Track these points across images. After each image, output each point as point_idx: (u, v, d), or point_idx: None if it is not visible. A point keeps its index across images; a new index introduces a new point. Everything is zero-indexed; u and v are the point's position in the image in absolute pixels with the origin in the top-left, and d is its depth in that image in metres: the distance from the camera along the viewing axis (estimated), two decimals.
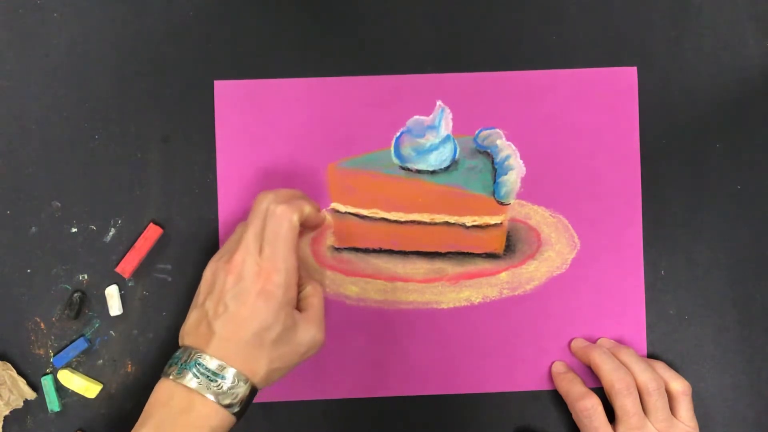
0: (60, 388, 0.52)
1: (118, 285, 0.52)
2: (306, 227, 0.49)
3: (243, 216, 0.52)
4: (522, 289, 0.53)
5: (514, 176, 0.53)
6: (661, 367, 0.51)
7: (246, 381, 0.43)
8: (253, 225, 0.45)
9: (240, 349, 0.43)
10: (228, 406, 0.43)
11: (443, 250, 0.53)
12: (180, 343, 0.46)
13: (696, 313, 0.53)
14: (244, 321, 0.43)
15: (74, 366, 0.52)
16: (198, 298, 0.46)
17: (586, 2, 0.54)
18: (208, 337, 0.44)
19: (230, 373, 0.43)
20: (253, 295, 0.44)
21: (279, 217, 0.45)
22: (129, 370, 0.52)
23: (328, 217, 0.52)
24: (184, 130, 0.53)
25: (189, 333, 0.45)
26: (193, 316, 0.45)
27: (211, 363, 0.43)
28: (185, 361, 0.43)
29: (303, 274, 0.49)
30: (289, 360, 0.45)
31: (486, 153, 0.53)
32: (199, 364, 0.43)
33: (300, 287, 0.48)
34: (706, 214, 0.53)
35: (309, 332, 0.46)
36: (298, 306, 0.47)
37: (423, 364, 0.53)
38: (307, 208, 0.47)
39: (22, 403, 0.51)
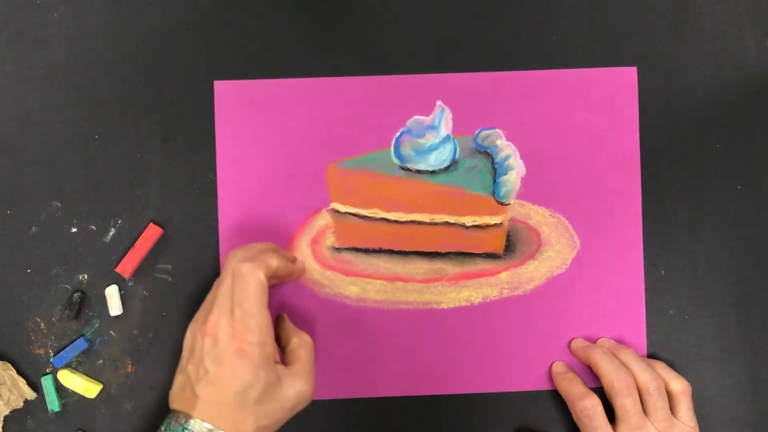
0: (60, 388, 0.52)
1: (118, 285, 0.52)
2: (279, 279, 0.49)
3: (243, 216, 0.52)
4: (522, 289, 0.53)
5: (514, 176, 0.53)
6: (661, 367, 0.51)
7: None
8: (224, 285, 0.45)
9: (224, 411, 0.43)
10: None
11: (443, 250, 0.53)
12: (170, 407, 0.46)
13: (696, 313, 0.53)
14: (224, 382, 0.43)
15: (74, 366, 0.52)
16: (182, 361, 0.46)
17: (586, 2, 0.54)
18: (193, 401, 0.44)
19: None
20: (229, 356, 0.44)
21: (245, 276, 0.45)
22: (129, 370, 0.52)
23: (302, 264, 0.52)
24: (184, 130, 0.53)
25: (176, 398, 0.45)
26: (178, 381, 0.46)
27: (198, 427, 0.43)
28: (174, 427, 0.44)
29: (288, 326, 0.49)
30: (278, 416, 0.45)
31: (486, 153, 0.53)
32: (186, 429, 0.43)
33: (286, 340, 0.48)
34: (706, 214, 0.53)
35: (294, 386, 0.45)
36: (286, 360, 0.48)
37: (423, 364, 0.53)
38: (275, 262, 0.46)
39: (22, 403, 0.51)
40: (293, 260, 0.51)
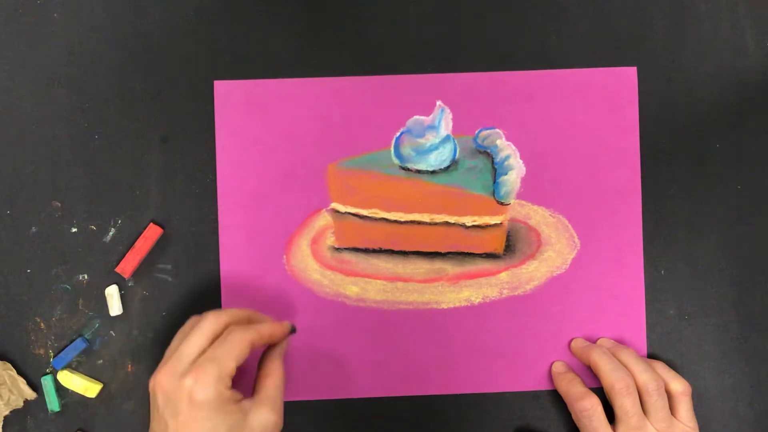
0: (60, 388, 0.52)
1: (118, 285, 0.52)
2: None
3: (243, 216, 0.52)
4: (522, 289, 0.53)
5: (514, 176, 0.53)
6: (661, 367, 0.51)
7: None
8: (191, 339, 0.44)
9: None
10: None
11: (443, 250, 0.53)
12: None
13: (696, 313, 0.53)
14: None
15: (74, 366, 0.52)
16: (150, 418, 0.45)
17: (586, 2, 0.54)
18: None
19: None
20: (185, 405, 0.42)
21: (234, 342, 0.44)
22: (129, 370, 0.52)
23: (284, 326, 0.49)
24: (184, 130, 0.53)
25: None
26: None
27: None
28: None
29: (267, 353, 0.48)
30: None
31: (486, 153, 0.53)
32: None
33: (260, 364, 0.47)
34: (706, 214, 0.53)
35: (261, 417, 0.44)
36: (254, 387, 0.47)
37: (423, 364, 0.53)
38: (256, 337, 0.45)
39: (22, 403, 0.51)
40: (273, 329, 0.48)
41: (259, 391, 0.46)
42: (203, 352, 0.44)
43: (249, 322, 0.47)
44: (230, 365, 0.43)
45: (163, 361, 0.45)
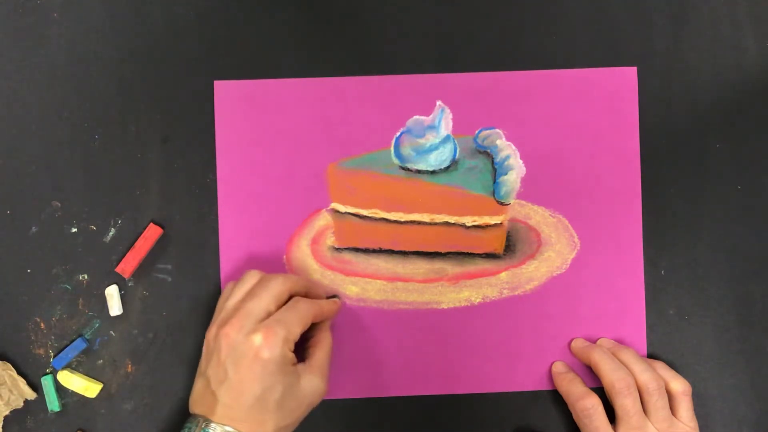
0: (60, 388, 0.52)
1: (118, 285, 0.52)
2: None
3: (243, 216, 0.52)
4: (522, 289, 0.53)
5: (514, 176, 0.53)
6: (661, 367, 0.51)
7: None
8: (260, 298, 0.46)
9: (245, 414, 0.44)
10: None
11: (443, 250, 0.53)
12: (190, 411, 0.46)
13: (696, 313, 0.53)
14: (244, 386, 0.44)
15: (74, 366, 0.52)
16: (201, 364, 0.47)
17: (586, 2, 0.54)
18: (212, 404, 0.44)
19: None
20: (249, 359, 0.44)
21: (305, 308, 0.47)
22: (129, 370, 0.52)
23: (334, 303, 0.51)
24: (184, 130, 0.53)
25: (196, 401, 0.46)
26: (198, 384, 0.46)
27: (218, 430, 0.43)
28: (194, 431, 0.44)
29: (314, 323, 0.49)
30: (297, 414, 0.46)
31: (486, 153, 0.53)
32: None
33: (309, 334, 0.49)
34: (706, 214, 0.53)
35: (311, 383, 0.46)
36: (304, 353, 0.48)
37: (423, 364, 0.53)
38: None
39: (22, 403, 0.51)
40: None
41: (310, 357, 0.48)
42: (270, 313, 0.46)
43: (306, 290, 0.49)
44: (296, 330, 0.46)
45: (225, 312, 0.47)
